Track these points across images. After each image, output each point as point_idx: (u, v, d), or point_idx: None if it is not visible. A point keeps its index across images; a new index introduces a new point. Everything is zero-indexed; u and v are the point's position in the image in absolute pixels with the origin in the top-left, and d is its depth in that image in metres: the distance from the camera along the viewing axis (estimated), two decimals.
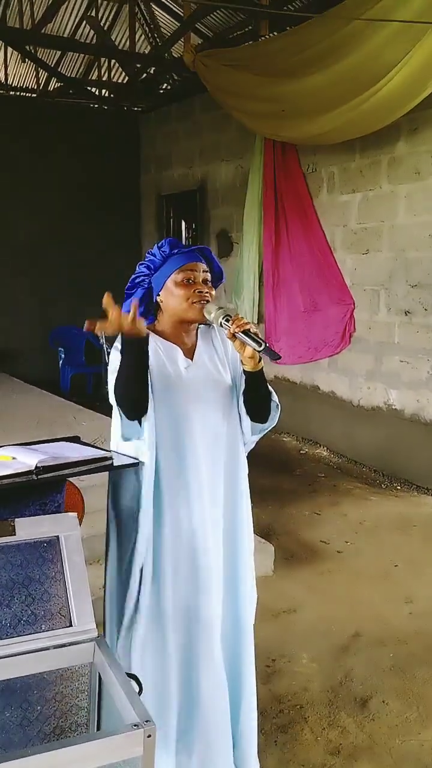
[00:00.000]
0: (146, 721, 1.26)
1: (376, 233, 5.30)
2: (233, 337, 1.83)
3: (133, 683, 1.40)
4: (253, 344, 1.80)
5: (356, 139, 5.24)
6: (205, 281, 1.94)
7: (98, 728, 1.55)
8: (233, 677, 2.08)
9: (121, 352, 1.83)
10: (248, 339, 1.81)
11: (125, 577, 1.97)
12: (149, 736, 1.25)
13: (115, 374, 1.88)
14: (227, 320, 1.85)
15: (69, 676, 1.53)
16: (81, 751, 1.22)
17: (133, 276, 2.00)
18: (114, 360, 1.91)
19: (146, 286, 1.98)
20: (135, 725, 1.26)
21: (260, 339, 1.81)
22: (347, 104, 4.29)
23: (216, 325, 1.91)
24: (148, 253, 1.99)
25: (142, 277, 1.99)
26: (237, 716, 2.10)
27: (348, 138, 5.02)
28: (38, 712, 1.52)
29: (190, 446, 1.92)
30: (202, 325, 2.05)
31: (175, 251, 1.94)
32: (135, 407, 1.86)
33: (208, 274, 1.96)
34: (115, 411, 1.89)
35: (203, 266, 1.95)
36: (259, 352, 1.81)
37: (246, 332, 1.81)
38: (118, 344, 1.90)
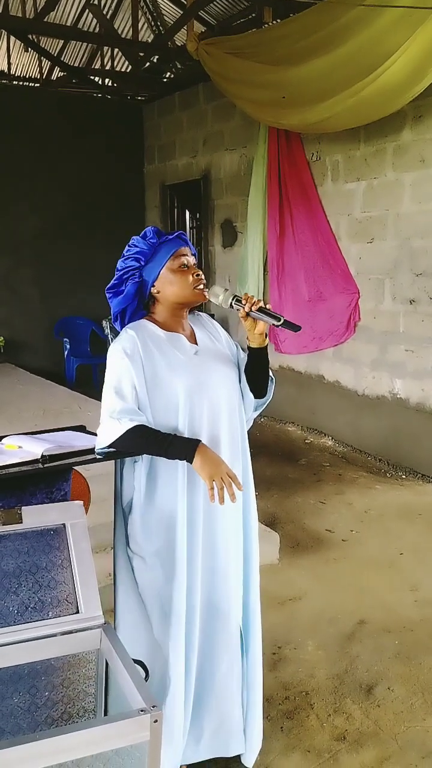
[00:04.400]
0: (153, 707, 1.27)
1: (380, 222, 5.27)
2: (246, 316, 1.86)
3: (140, 669, 1.41)
4: (272, 320, 1.85)
5: (361, 127, 5.21)
6: (195, 264, 1.98)
7: (105, 714, 1.57)
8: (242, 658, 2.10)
9: (165, 454, 1.82)
10: (265, 316, 1.85)
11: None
12: (156, 721, 1.26)
13: (117, 386, 1.84)
14: (238, 301, 1.89)
15: (76, 662, 1.54)
16: (88, 736, 1.23)
17: (119, 273, 1.96)
18: (117, 367, 1.87)
19: (137, 280, 1.95)
20: (142, 710, 1.27)
21: (277, 314, 1.85)
22: (346, 91, 4.25)
23: (226, 307, 1.92)
24: (131, 246, 1.95)
25: (132, 272, 1.95)
26: (244, 700, 2.12)
27: (349, 126, 4.98)
28: (46, 698, 1.53)
29: (211, 427, 1.92)
30: (189, 314, 2.05)
31: (163, 239, 1.95)
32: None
33: (194, 257, 2.00)
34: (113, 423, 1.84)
35: (189, 249, 1.98)
36: (278, 326, 1.84)
37: (261, 309, 1.85)
38: (122, 349, 1.87)
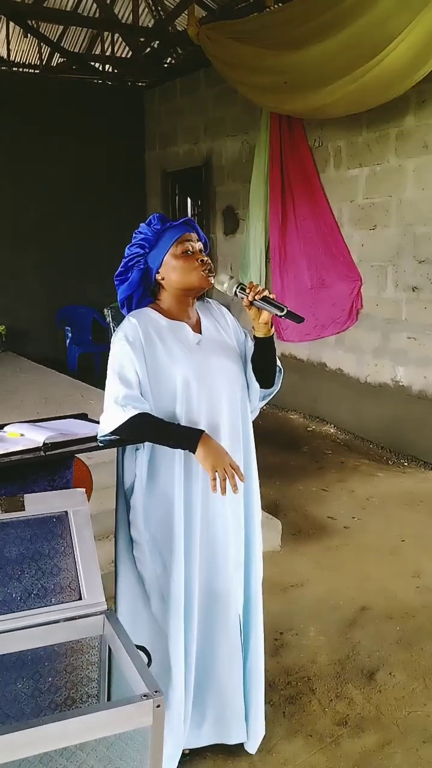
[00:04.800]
0: (155, 692, 1.28)
1: (383, 208, 5.24)
2: (250, 305, 1.85)
3: (142, 655, 1.42)
4: (275, 310, 1.83)
5: (363, 112, 5.16)
6: (201, 251, 1.95)
7: (108, 699, 1.58)
8: (243, 646, 2.11)
9: (168, 443, 1.85)
10: (268, 306, 1.84)
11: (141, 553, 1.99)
12: (158, 706, 1.27)
13: (120, 372, 1.85)
14: (242, 289, 1.87)
15: (79, 648, 1.55)
16: (91, 721, 1.24)
17: (125, 260, 1.97)
18: (120, 354, 1.88)
19: (142, 266, 1.96)
20: (144, 696, 1.28)
21: (280, 304, 1.83)
22: (349, 75, 4.21)
23: (230, 295, 1.91)
24: (137, 233, 1.96)
25: (137, 258, 1.96)
26: (245, 684, 2.14)
27: (352, 112, 4.94)
28: (49, 684, 1.54)
29: (210, 417, 1.92)
30: (197, 301, 2.04)
31: (168, 225, 1.94)
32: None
33: (201, 244, 1.97)
34: (114, 407, 1.85)
35: (195, 236, 1.96)
36: (281, 316, 1.83)
37: (265, 299, 1.83)
38: (125, 336, 1.88)
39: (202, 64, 6.23)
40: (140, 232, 1.95)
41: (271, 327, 1.91)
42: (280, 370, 2.06)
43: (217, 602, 2.01)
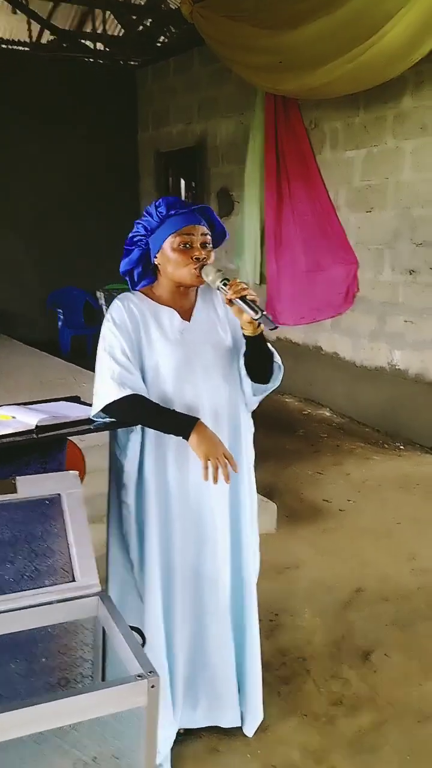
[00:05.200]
0: (150, 672, 1.27)
1: (380, 191, 5.20)
2: (230, 302, 1.79)
3: (137, 636, 1.41)
4: (250, 312, 1.75)
5: (360, 93, 5.11)
6: (204, 244, 1.87)
7: (103, 680, 1.57)
8: (238, 631, 2.12)
9: (162, 428, 1.85)
10: (245, 306, 1.76)
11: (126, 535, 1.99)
12: (153, 686, 1.26)
13: (112, 352, 1.84)
14: (225, 284, 1.80)
15: (73, 629, 1.54)
16: (86, 701, 1.23)
17: (131, 234, 1.95)
18: (109, 336, 1.87)
19: (143, 246, 1.94)
20: (139, 676, 1.27)
21: (257, 307, 1.76)
22: (346, 55, 4.16)
23: (213, 288, 1.86)
24: (146, 213, 1.92)
25: (139, 237, 1.94)
26: (242, 669, 2.15)
27: (348, 92, 4.88)
28: (43, 664, 1.54)
29: (193, 406, 1.90)
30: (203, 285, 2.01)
31: (173, 212, 1.87)
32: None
33: (208, 236, 1.89)
34: (103, 386, 1.84)
35: (202, 228, 1.88)
36: (256, 320, 1.76)
37: (243, 298, 1.76)
38: (111, 318, 1.88)
39: (196, 42, 6.14)
40: (147, 213, 1.91)
41: (259, 326, 1.82)
42: (280, 367, 1.99)
43: (205, 586, 2.01)
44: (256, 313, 1.75)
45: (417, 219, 4.93)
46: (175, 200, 1.90)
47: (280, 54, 4.74)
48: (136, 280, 2.01)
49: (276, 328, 1.80)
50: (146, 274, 2.00)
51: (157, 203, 1.89)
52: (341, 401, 5.78)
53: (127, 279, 2.03)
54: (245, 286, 1.78)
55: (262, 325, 1.83)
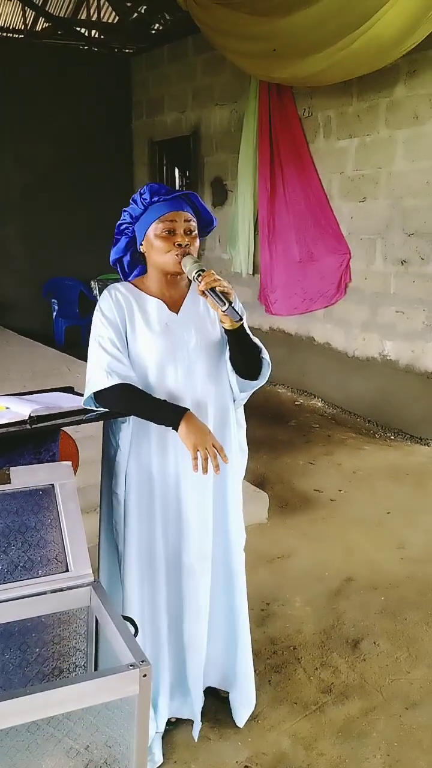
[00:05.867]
0: (142, 661, 1.29)
1: (373, 180, 5.20)
2: (203, 293, 1.77)
3: (129, 625, 1.43)
4: (218, 303, 1.74)
5: (353, 82, 5.10)
6: (188, 231, 1.86)
7: (96, 669, 1.59)
8: (228, 621, 2.14)
9: (151, 418, 1.85)
10: (214, 297, 1.74)
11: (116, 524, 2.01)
12: (145, 675, 1.28)
13: (102, 342, 1.85)
14: (199, 275, 1.78)
15: (66, 619, 1.56)
16: (79, 690, 1.25)
17: (119, 223, 1.95)
18: (99, 326, 1.88)
19: (130, 234, 1.94)
20: (131, 665, 1.29)
21: (225, 299, 1.74)
22: (339, 42, 4.14)
23: (191, 279, 1.83)
24: (132, 200, 1.92)
25: (126, 225, 1.94)
26: (234, 658, 2.17)
27: (341, 79, 4.86)
28: (37, 654, 1.55)
29: (173, 398, 1.90)
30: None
31: (156, 199, 1.85)
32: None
33: (193, 223, 1.88)
34: (94, 378, 1.85)
35: (186, 215, 1.87)
36: (223, 311, 1.75)
37: (212, 290, 1.74)
38: (100, 308, 1.89)
39: (191, 30, 6.10)
40: (133, 201, 1.91)
41: (240, 320, 1.80)
42: (268, 364, 1.98)
43: (181, 577, 2.01)
44: (223, 304, 1.73)
45: (409, 209, 4.93)
46: (159, 187, 1.89)
47: (273, 41, 4.71)
48: (126, 269, 2.01)
49: (240, 320, 1.79)
50: (136, 263, 2.00)
51: (141, 190, 1.88)
52: (333, 391, 5.80)
53: (118, 268, 2.03)
54: (218, 278, 1.76)
55: (240, 322, 1.81)
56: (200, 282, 1.76)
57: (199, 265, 1.81)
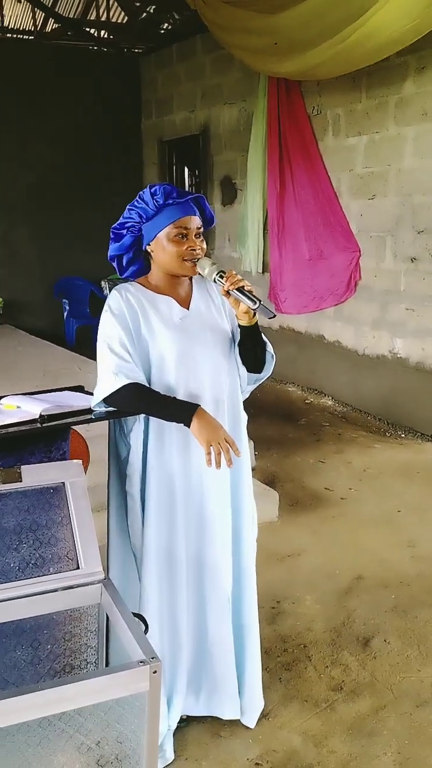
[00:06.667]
0: (152, 658, 1.30)
1: (382, 178, 5.18)
2: (227, 294, 1.83)
3: (139, 623, 1.44)
4: (248, 302, 1.80)
5: (362, 79, 5.09)
6: (197, 235, 1.90)
7: (106, 665, 1.60)
8: (237, 619, 2.14)
9: (163, 415, 1.87)
10: (243, 296, 1.81)
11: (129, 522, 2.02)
12: (155, 672, 1.29)
13: (110, 343, 1.86)
14: (221, 276, 1.84)
15: (77, 616, 1.57)
16: (89, 686, 1.26)
17: (123, 220, 1.95)
18: (107, 326, 1.89)
19: (136, 233, 1.94)
20: (141, 662, 1.30)
21: (255, 297, 1.81)
22: (334, 37, 4.12)
23: (210, 281, 1.90)
24: (140, 199, 1.91)
25: (133, 224, 1.93)
26: (242, 656, 2.17)
27: (342, 72, 4.83)
28: (48, 651, 1.57)
29: (195, 392, 1.92)
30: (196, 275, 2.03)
31: (170, 201, 1.87)
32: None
33: (201, 227, 1.93)
34: (106, 378, 1.86)
35: (197, 219, 1.91)
36: (253, 310, 1.81)
37: (240, 289, 1.80)
38: (109, 308, 1.89)
39: (199, 29, 6.11)
40: (142, 200, 1.91)
41: (254, 316, 1.87)
42: (272, 356, 2.04)
43: (205, 575, 2.03)
44: (254, 303, 1.80)
45: (419, 206, 4.92)
46: (171, 189, 1.90)
47: (274, 35, 4.71)
48: (124, 265, 2.01)
49: (274, 317, 1.84)
50: (135, 261, 2.01)
51: (152, 191, 1.89)
52: (343, 390, 5.79)
53: (114, 264, 2.03)
54: (241, 278, 1.82)
55: (257, 316, 1.87)
56: (224, 283, 1.81)
57: (217, 267, 1.87)
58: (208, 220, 1.98)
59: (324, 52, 4.34)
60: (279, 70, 5.19)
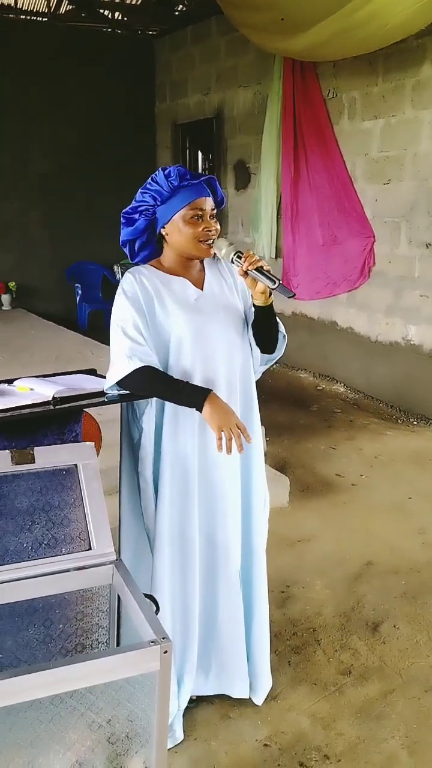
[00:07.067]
0: (163, 638, 1.32)
1: (398, 162, 5.12)
2: (245, 274, 1.83)
3: (150, 603, 1.45)
4: (267, 282, 1.81)
5: (379, 61, 5.01)
6: (212, 216, 1.92)
7: (118, 645, 1.62)
8: (246, 600, 2.16)
9: (175, 400, 1.87)
10: (262, 276, 1.82)
11: (143, 503, 2.03)
12: (165, 652, 1.31)
13: (124, 326, 1.86)
14: (239, 257, 1.85)
15: (89, 596, 1.59)
16: (101, 665, 1.28)
17: (136, 204, 1.94)
18: (121, 309, 1.89)
19: (150, 216, 1.94)
20: (152, 642, 1.31)
21: (274, 276, 1.82)
22: (336, 12, 4.03)
23: (227, 262, 1.90)
24: (153, 181, 1.91)
25: (147, 206, 1.93)
26: (250, 637, 2.19)
27: (348, 55, 4.73)
28: (60, 630, 1.59)
29: (205, 374, 1.93)
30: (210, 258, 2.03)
31: (185, 183, 1.88)
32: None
33: (214, 208, 1.94)
34: (120, 362, 1.86)
35: (211, 201, 1.92)
36: (273, 289, 1.82)
37: (259, 269, 1.81)
38: (123, 291, 1.89)
39: (214, 10, 6.03)
40: (156, 182, 1.90)
41: (270, 296, 1.88)
42: (284, 336, 2.06)
43: (217, 556, 2.05)
44: (273, 282, 1.81)
45: None
46: (185, 171, 1.91)
47: (280, 10, 4.61)
48: (136, 250, 2.01)
49: (293, 296, 1.85)
50: (147, 245, 2.01)
51: (166, 172, 1.88)
52: (355, 376, 5.77)
53: (126, 250, 2.03)
54: (259, 258, 1.83)
55: (272, 297, 1.88)
56: (243, 263, 1.82)
57: (234, 248, 1.88)
58: (219, 202, 1.98)
59: (329, 27, 4.24)
60: (287, 48, 5.07)
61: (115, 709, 1.33)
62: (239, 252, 1.86)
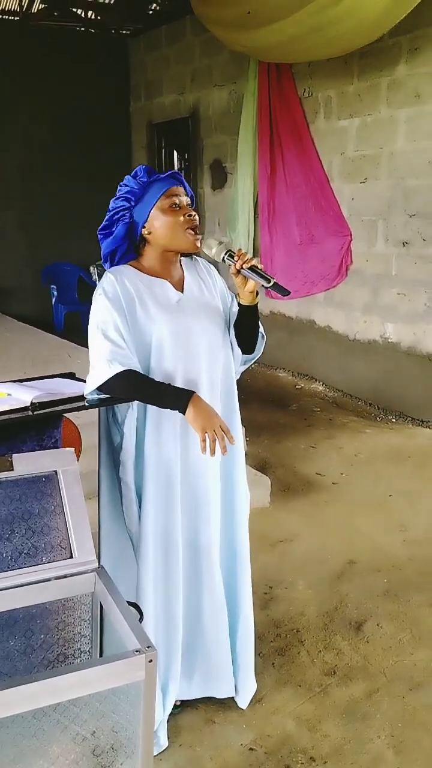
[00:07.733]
0: (147, 647, 1.29)
1: (374, 161, 5.15)
2: (237, 273, 1.83)
3: (134, 611, 1.43)
4: (262, 281, 1.82)
5: (354, 60, 5.03)
6: (189, 205, 1.92)
7: (101, 655, 1.59)
8: (230, 603, 2.14)
9: (158, 403, 1.84)
10: (256, 276, 1.82)
11: (123, 509, 2.00)
12: (150, 661, 1.28)
13: (104, 328, 1.82)
14: (231, 256, 1.85)
15: (71, 605, 1.56)
16: (84, 677, 1.25)
17: (110, 214, 1.92)
18: (101, 310, 1.85)
19: (127, 221, 1.91)
20: (137, 651, 1.29)
21: (268, 275, 1.82)
22: (306, 7, 4.01)
23: (218, 261, 1.89)
24: (122, 186, 1.92)
25: (122, 212, 1.91)
26: (234, 640, 2.18)
27: (327, 54, 4.73)
28: (41, 641, 1.55)
29: (186, 376, 1.91)
30: (184, 258, 2.01)
31: (154, 177, 1.90)
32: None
33: (189, 203, 1.93)
34: (100, 364, 1.83)
35: (183, 190, 1.92)
36: (268, 288, 1.82)
37: (253, 268, 1.81)
38: (104, 292, 1.86)
39: (188, 10, 6.00)
40: (126, 185, 1.91)
41: (257, 296, 1.89)
42: (263, 336, 2.06)
43: (200, 559, 2.03)
44: (268, 281, 1.82)
45: (410, 190, 4.89)
46: (150, 168, 1.93)
47: (247, 4, 4.59)
48: (117, 259, 1.98)
49: (289, 293, 1.85)
50: (129, 252, 1.98)
51: (134, 173, 1.90)
52: (334, 375, 5.79)
53: (107, 261, 2.00)
54: (252, 257, 1.84)
55: (258, 296, 1.88)
56: (235, 262, 1.82)
57: (225, 246, 1.88)
58: (190, 197, 1.97)
59: (297, 24, 4.22)
60: (257, 46, 5.04)
61: (99, 720, 1.31)
62: (231, 251, 1.85)
